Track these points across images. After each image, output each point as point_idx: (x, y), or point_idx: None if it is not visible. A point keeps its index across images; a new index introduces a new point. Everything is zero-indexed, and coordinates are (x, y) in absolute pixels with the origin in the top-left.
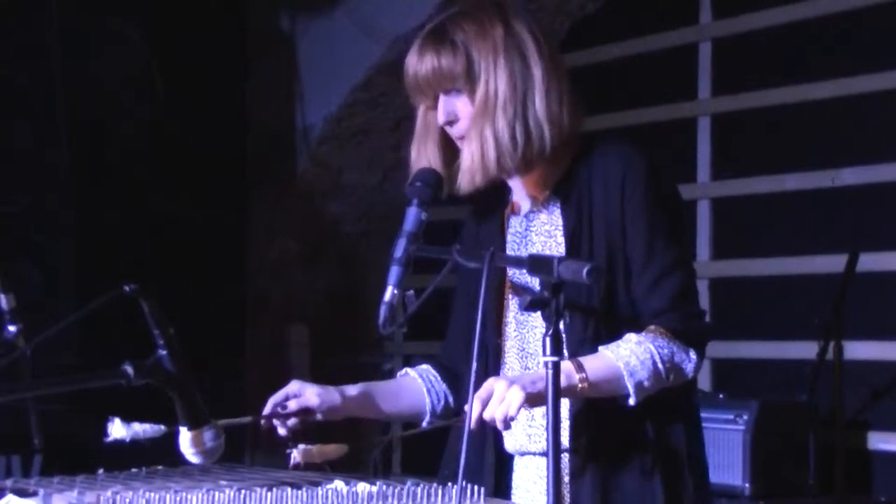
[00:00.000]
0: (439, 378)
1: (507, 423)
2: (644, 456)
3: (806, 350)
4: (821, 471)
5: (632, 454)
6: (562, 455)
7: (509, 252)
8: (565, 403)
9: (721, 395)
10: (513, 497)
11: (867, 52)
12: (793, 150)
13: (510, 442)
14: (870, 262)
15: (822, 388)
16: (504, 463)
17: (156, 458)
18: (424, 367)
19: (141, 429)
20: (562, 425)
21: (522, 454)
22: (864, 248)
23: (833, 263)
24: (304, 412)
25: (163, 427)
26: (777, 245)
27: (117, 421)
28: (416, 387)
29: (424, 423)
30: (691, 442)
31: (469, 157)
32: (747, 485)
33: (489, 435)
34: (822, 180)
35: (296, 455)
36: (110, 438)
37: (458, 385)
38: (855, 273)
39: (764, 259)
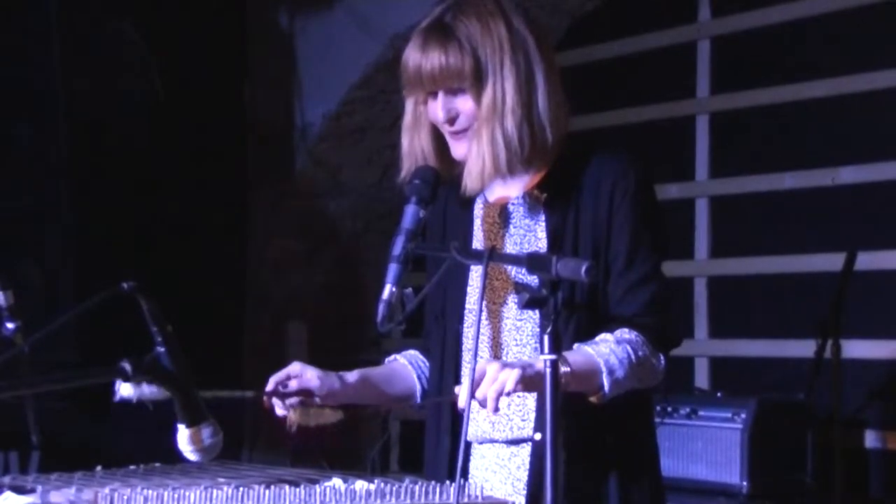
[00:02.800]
0: (427, 362)
1: (497, 403)
2: (603, 451)
3: (804, 349)
4: (818, 469)
5: (592, 449)
6: (527, 445)
7: (484, 242)
8: (532, 395)
9: (719, 394)
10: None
11: (867, 51)
12: (792, 149)
13: (472, 429)
14: (868, 261)
15: (820, 387)
16: (464, 452)
17: (154, 455)
18: (412, 352)
19: (149, 390)
20: (529, 416)
21: (482, 442)
22: (863, 248)
23: (832, 262)
24: (304, 393)
25: (166, 392)
26: (776, 244)
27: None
28: (406, 372)
29: (416, 403)
30: (646, 438)
31: (479, 159)
32: (745, 483)
33: (446, 421)
34: (822, 179)
35: (291, 416)
36: (118, 397)
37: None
38: (853, 272)
39: (763, 258)
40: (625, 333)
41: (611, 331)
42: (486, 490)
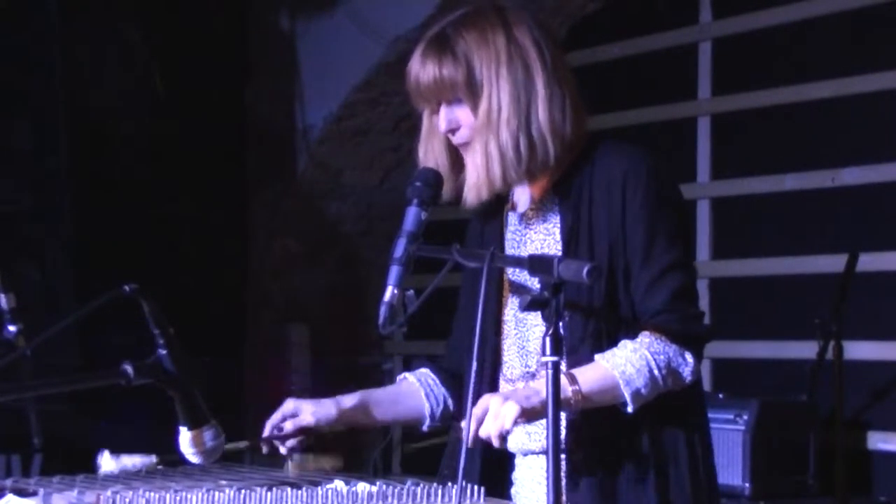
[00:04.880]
0: (438, 382)
1: (502, 439)
2: (640, 459)
3: (806, 350)
4: (821, 471)
5: (628, 456)
6: (562, 456)
7: (508, 250)
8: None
9: (721, 395)
10: (515, 496)
11: (867, 52)
12: (793, 150)
13: (511, 441)
14: (870, 261)
15: (822, 388)
16: (504, 462)
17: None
18: (423, 370)
19: (130, 462)
20: (560, 426)
21: (525, 454)
22: (864, 248)
23: (833, 263)
24: (302, 432)
25: (154, 458)
26: (777, 245)
27: (106, 454)
28: (414, 391)
29: (424, 428)
30: (694, 446)
31: (474, 172)
32: (747, 485)
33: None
34: (822, 180)
35: (290, 467)
36: (101, 472)
37: (459, 387)
38: (855, 273)
39: (764, 259)
40: (645, 338)
41: (633, 336)
42: (533, 502)
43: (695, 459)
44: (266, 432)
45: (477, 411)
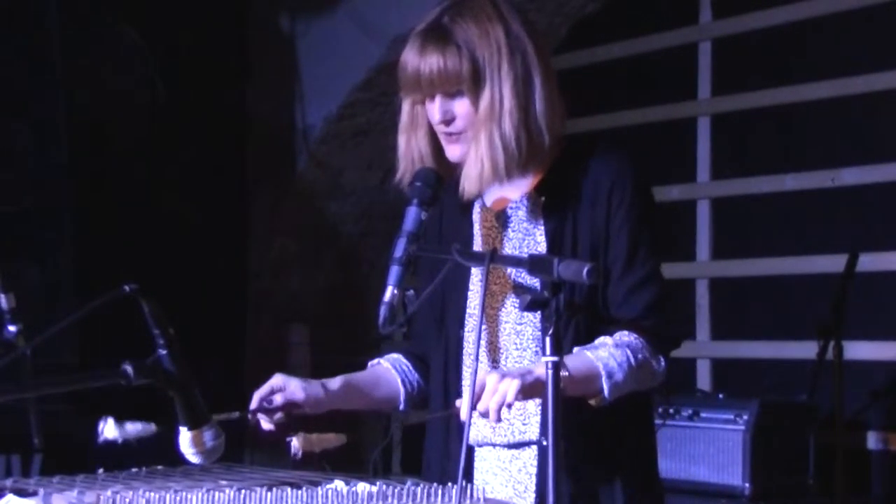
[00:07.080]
0: (411, 367)
1: (500, 415)
2: (603, 455)
3: (806, 350)
4: (820, 471)
5: (591, 453)
6: (528, 448)
7: (481, 246)
8: (535, 399)
9: (721, 395)
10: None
11: (867, 52)
12: (793, 150)
13: (472, 432)
14: (870, 262)
15: (821, 389)
16: (466, 454)
17: (156, 457)
18: (395, 356)
19: (133, 429)
20: (531, 420)
21: (482, 445)
22: (864, 248)
23: (833, 263)
24: (290, 406)
25: (153, 426)
26: (777, 245)
27: (110, 421)
28: (390, 376)
29: (400, 407)
30: (646, 439)
31: (478, 162)
32: (747, 485)
33: (454, 428)
34: (822, 180)
35: (295, 443)
36: (101, 439)
37: (429, 372)
38: (855, 273)
39: (764, 259)
40: (624, 336)
41: (610, 334)
42: (487, 493)
43: (647, 450)
44: (254, 404)
45: (474, 388)
